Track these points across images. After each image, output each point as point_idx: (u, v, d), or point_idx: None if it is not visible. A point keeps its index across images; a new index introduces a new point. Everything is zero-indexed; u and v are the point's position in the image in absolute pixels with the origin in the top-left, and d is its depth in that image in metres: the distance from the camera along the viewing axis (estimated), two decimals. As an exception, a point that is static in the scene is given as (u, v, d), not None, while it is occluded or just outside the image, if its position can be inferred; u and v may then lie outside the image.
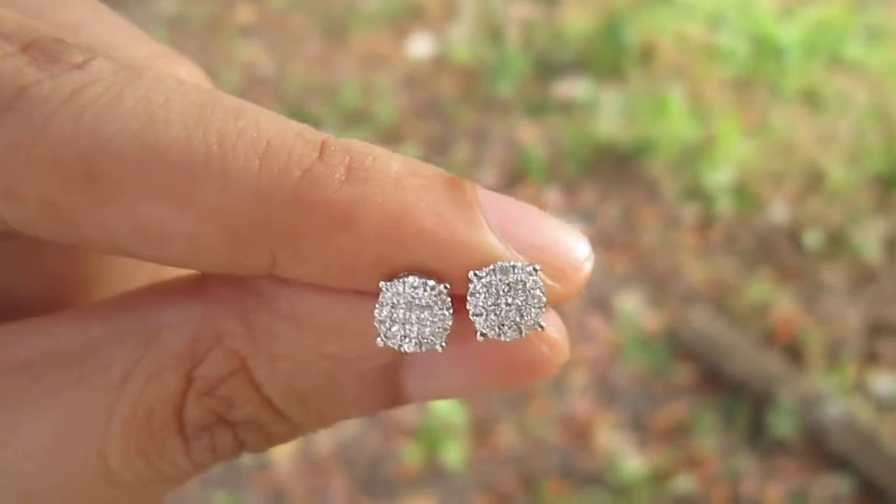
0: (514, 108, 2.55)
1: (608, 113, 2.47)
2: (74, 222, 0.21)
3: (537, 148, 2.36)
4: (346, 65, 2.80)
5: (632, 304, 1.93)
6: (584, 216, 2.17)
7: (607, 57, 2.68)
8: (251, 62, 2.82)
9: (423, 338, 0.23)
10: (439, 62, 2.79)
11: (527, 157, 2.33)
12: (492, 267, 0.23)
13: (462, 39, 2.86)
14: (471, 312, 0.23)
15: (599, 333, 1.89)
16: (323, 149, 0.22)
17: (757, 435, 1.69)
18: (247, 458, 1.66)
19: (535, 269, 0.23)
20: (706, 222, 2.14)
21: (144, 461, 0.24)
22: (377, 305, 0.23)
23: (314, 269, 0.22)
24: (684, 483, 1.61)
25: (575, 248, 0.24)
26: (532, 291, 0.23)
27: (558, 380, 1.79)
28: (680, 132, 2.36)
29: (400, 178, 0.22)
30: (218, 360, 0.23)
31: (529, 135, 2.43)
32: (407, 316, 0.23)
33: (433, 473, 1.65)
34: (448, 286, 0.23)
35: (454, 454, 1.66)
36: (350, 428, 1.71)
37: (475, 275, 0.23)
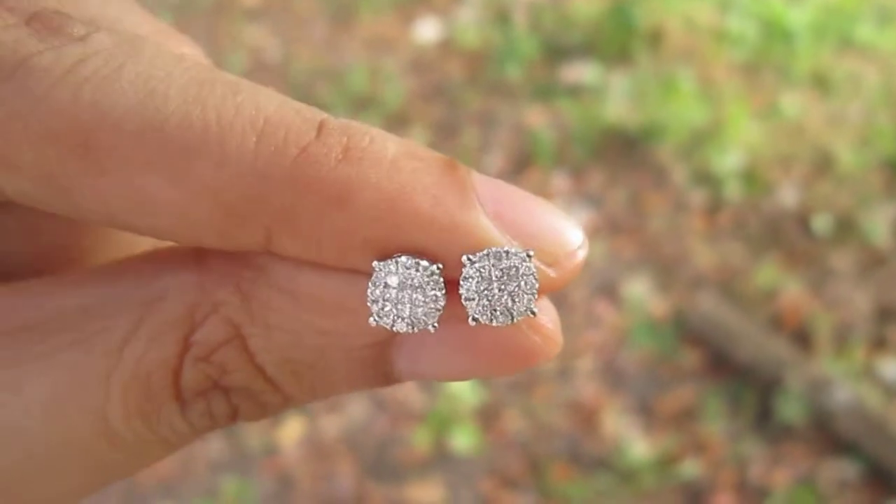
0: (521, 92, 2.53)
1: (616, 97, 2.46)
2: (70, 192, 0.21)
3: (545, 132, 2.35)
4: (353, 49, 2.79)
5: (639, 289, 1.93)
6: (591, 201, 2.16)
7: (616, 40, 2.66)
8: (257, 46, 2.81)
9: (414, 318, 0.24)
10: (446, 46, 2.78)
11: (534, 142, 2.32)
12: (485, 252, 0.23)
13: (469, 23, 2.85)
14: (463, 297, 0.24)
15: (606, 318, 1.88)
16: (321, 128, 0.22)
17: (764, 420, 1.68)
18: (254, 443, 1.67)
19: (528, 256, 0.23)
20: (714, 207, 2.13)
21: (144, 423, 0.24)
22: (370, 284, 0.23)
23: (309, 248, 0.22)
24: (691, 468, 1.62)
25: (569, 235, 0.24)
26: (525, 278, 0.23)
27: (565, 365, 1.79)
28: (688, 116, 2.34)
29: (396, 159, 0.22)
30: (214, 328, 0.24)
31: (537, 119, 2.42)
32: (399, 296, 0.23)
33: (440, 458, 1.66)
34: (441, 267, 0.23)
35: (462, 439, 1.66)
36: (357, 413, 1.72)
37: (468, 259, 0.23)
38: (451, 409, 1.70)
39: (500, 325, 0.24)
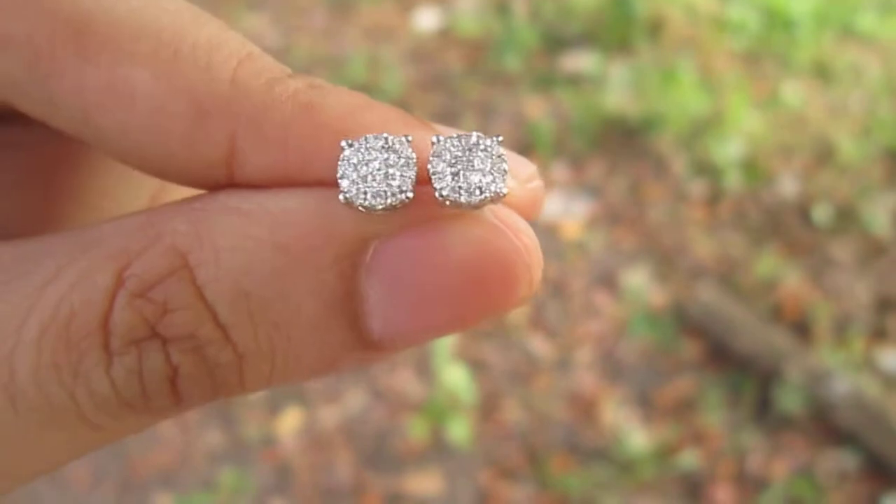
0: (521, 81, 2.52)
1: (616, 86, 2.44)
2: (50, 78, 0.22)
3: (544, 122, 2.34)
4: (353, 37, 2.77)
5: (638, 280, 1.92)
6: (591, 191, 2.16)
7: (616, 30, 2.65)
8: (257, 34, 2.80)
9: (388, 188, 0.22)
10: (446, 35, 2.77)
11: (534, 131, 2.31)
12: (454, 134, 0.23)
13: (469, 12, 2.83)
14: (430, 172, 0.23)
15: (606, 309, 1.88)
16: (293, 73, 0.24)
17: (763, 411, 1.68)
18: (252, 434, 1.67)
19: (498, 140, 0.23)
20: (714, 197, 2.12)
21: (57, 378, 0.21)
22: (340, 161, 0.22)
23: (274, 153, 0.22)
24: (690, 458, 1.61)
25: (522, 166, 0.25)
26: (495, 158, 0.23)
27: (564, 356, 1.79)
28: (689, 106, 2.33)
29: (355, 94, 0.24)
30: (156, 256, 0.21)
31: (536, 109, 2.41)
32: (369, 168, 0.22)
33: (439, 449, 1.66)
34: (410, 139, 0.23)
35: (460, 430, 1.66)
36: (355, 403, 1.72)
37: (436, 139, 0.23)
38: (450, 399, 1.70)
39: (469, 202, 0.22)
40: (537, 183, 0.25)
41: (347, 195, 0.22)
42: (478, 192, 0.22)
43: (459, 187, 0.22)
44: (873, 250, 1.97)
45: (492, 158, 0.23)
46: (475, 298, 0.23)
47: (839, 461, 1.60)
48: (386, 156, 0.22)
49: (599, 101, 2.38)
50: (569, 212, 2.09)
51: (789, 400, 1.66)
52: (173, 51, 0.22)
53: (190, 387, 0.22)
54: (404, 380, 1.74)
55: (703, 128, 2.28)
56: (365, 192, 0.22)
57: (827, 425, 1.64)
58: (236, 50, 0.23)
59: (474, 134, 0.23)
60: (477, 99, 2.47)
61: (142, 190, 0.30)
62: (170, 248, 0.21)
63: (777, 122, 2.30)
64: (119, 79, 0.22)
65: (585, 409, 1.71)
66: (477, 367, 1.76)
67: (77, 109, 0.22)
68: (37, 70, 0.22)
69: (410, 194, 0.22)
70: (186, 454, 1.65)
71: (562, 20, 2.76)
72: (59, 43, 0.22)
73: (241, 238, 0.21)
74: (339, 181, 0.22)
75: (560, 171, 2.22)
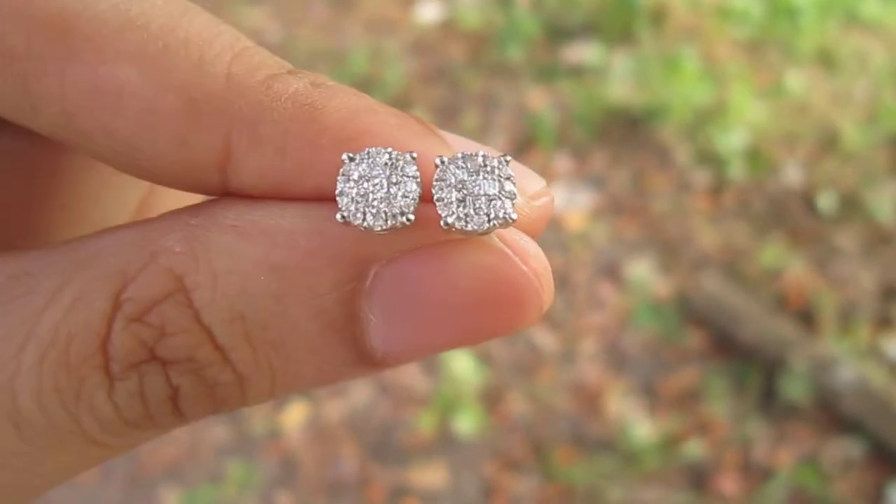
0: (523, 73, 2.52)
1: (619, 77, 2.44)
2: (32, 80, 0.21)
3: (547, 113, 2.34)
4: (354, 30, 2.77)
5: (642, 270, 1.92)
6: (594, 182, 2.15)
7: (618, 20, 2.64)
8: (258, 28, 2.80)
9: (388, 208, 0.21)
10: (448, 27, 2.76)
11: (536, 123, 2.30)
12: (459, 154, 0.22)
13: (471, 4, 2.82)
14: (435, 198, 0.21)
15: (610, 300, 1.88)
16: (292, 70, 0.22)
17: (768, 400, 1.68)
18: (258, 427, 1.67)
19: (505, 160, 0.22)
20: (718, 187, 2.12)
21: (60, 402, 0.20)
22: (339, 177, 0.21)
23: (271, 157, 0.21)
24: (695, 449, 1.62)
25: (531, 181, 0.24)
26: (503, 180, 0.22)
27: (568, 347, 1.79)
28: (692, 96, 2.32)
29: (360, 95, 0.22)
30: (152, 279, 0.21)
31: (539, 100, 2.40)
32: (370, 186, 0.21)
33: (444, 441, 1.66)
34: (415, 155, 0.21)
35: (465, 422, 1.66)
36: (361, 397, 1.72)
37: (441, 160, 0.21)
38: (455, 392, 1.70)
39: (476, 230, 0.21)
40: (547, 199, 0.23)
41: (345, 214, 0.21)
42: (485, 219, 0.21)
43: (465, 215, 0.21)
44: (878, 238, 1.96)
45: (499, 181, 0.21)
46: (482, 324, 0.22)
47: (844, 449, 1.60)
48: (388, 173, 0.21)
49: (602, 92, 2.38)
50: (572, 203, 2.08)
51: (794, 389, 1.66)
52: (162, 45, 0.21)
53: (192, 405, 0.22)
54: (410, 374, 1.75)
55: (707, 117, 2.27)
56: (364, 213, 0.21)
57: (832, 414, 1.64)
58: (230, 44, 0.22)
59: (480, 154, 0.21)
60: (479, 91, 2.46)
61: (130, 196, 0.28)
62: (166, 271, 0.21)
63: (781, 111, 2.29)
64: (104, 77, 0.20)
65: (590, 400, 1.71)
66: (482, 359, 1.76)
67: (59, 112, 0.21)
68: (13, 71, 0.20)
69: (412, 217, 0.21)
70: (193, 449, 1.66)
71: (564, 11, 2.75)
72: (36, 41, 0.20)
73: (237, 260, 0.21)
74: (338, 198, 0.21)
75: (563, 162, 2.22)
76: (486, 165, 0.21)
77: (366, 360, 0.22)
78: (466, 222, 0.21)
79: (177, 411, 0.22)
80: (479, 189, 0.21)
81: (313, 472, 1.63)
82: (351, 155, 0.21)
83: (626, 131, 2.28)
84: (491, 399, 1.71)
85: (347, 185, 0.21)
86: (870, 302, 1.83)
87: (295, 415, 1.70)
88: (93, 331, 0.20)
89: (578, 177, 2.16)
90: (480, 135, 2.27)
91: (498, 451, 1.64)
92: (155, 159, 0.21)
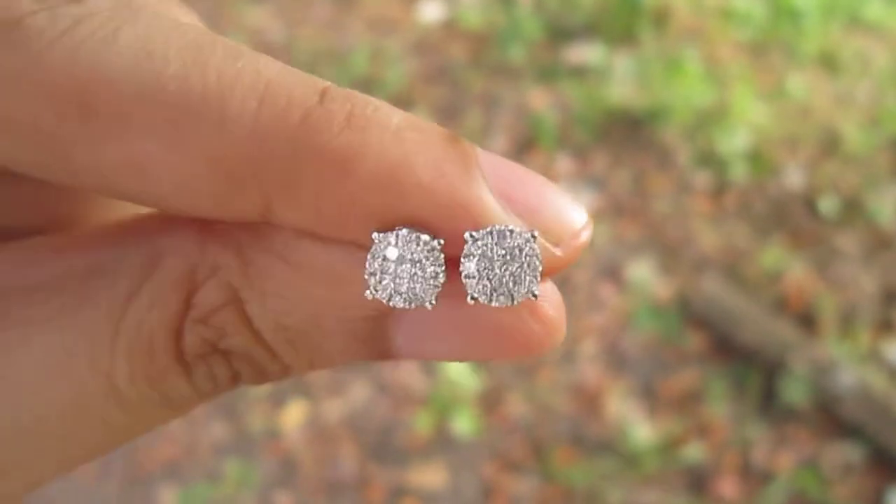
0: (525, 73, 2.51)
1: (621, 78, 2.43)
2: (66, 157, 0.21)
3: (548, 114, 2.33)
4: (356, 30, 2.77)
5: (643, 272, 1.92)
6: (595, 183, 2.15)
7: (620, 21, 2.64)
8: (259, 27, 2.80)
9: (412, 294, 0.23)
10: (450, 27, 2.76)
11: (538, 124, 2.30)
12: (489, 230, 0.22)
13: (473, 4, 2.82)
14: (463, 275, 0.23)
15: (610, 301, 1.88)
16: (324, 94, 0.21)
17: (768, 403, 1.68)
18: (257, 426, 1.67)
19: (533, 236, 0.23)
20: (719, 188, 2.11)
21: (149, 385, 0.24)
22: (369, 256, 0.23)
23: (308, 217, 0.22)
24: (695, 451, 1.61)
25: (574, 215, 0.24)
26: (528, 258, 0.23)
27: (568, 348, 1.79)
28: (694, 97, 2.32)
29: (400, 129, 0.22)
30: (213, 290, 0.24)
31: (541, 101, 2.40)
32: (398, 270, 0.22)
33: (443, 442, 1.66)
34: (442, 243, 0.22)
35: (464, 423, 1.66)
36: (359, 397, 1.72)
37: (471, 236, 0.22)
38: (454, 392, 1.70)
39: (499, 305, 0.23)
40: (587, 235, 0.24)
41: (373, 293, 0.23)
42: (509, 296, 0.23)
43: (493, 291, 0.23)
44: (879, 242, 1.96)
45: (527, 261, 0.23)
46: (499, 353, 0.25)
47: (844, 453, 1.59)
48: (414, 256, 0.22)
49: (604, 93, 2.37)
50: (573, 204, 2.08)
51: (794, 392, 1.66)
52: (181, 109, 0.20)
53: (249, 381, 0.26)
54: (408, 373, 1.74)
55: (709, 119, 2.27)
56: (390, 294, 0.23)
57: (832, 417, 1.64)
58: (252, 84, 0.21)
59: (507, 230, 0.22)
60: (481, 91, 2.46)
61: None
62: (224, 284, 0.24)
63: (783, 113, 2.28)
64: (134, 154, 0.21)
65: (590, 401, 1.71)
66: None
67: (98, 182, 0.22)
68: (49, 154, 0.21)
69: (434, 301, 0.23)
70: (192, 447, 1.65)
71: (566, 11, 2.75)
72: (64, 125, 0.20)
73: (283, 287, 0.24)
74: (367, 277, 0.23)
75: (564, 163, 2.21)
76: (513, 243, 0.23)
77: (388, 356, 0.26)
78: (491, 299, 0.23)
79: (236, 385, 0.26)
80: (507, 270, 0.23)
81: (312, 471, 1.63)
82: (379, 236, 0.22)
83: (628, 132, 2.28)
84: (490, 400, 1.71)
85: (375, 264, 0.23)
86: (870, 305, 1.82)
87: (294, 414, 1.70)
88: (169, 329, 0.24)
89: (579, 177, 2.16)
90: (482, 135, 2.27)
91: (497, 451, 1.64)
92: (195, 213, 0.23)
